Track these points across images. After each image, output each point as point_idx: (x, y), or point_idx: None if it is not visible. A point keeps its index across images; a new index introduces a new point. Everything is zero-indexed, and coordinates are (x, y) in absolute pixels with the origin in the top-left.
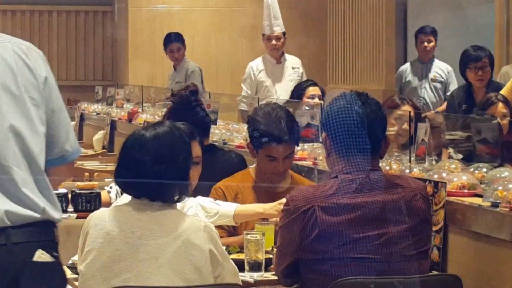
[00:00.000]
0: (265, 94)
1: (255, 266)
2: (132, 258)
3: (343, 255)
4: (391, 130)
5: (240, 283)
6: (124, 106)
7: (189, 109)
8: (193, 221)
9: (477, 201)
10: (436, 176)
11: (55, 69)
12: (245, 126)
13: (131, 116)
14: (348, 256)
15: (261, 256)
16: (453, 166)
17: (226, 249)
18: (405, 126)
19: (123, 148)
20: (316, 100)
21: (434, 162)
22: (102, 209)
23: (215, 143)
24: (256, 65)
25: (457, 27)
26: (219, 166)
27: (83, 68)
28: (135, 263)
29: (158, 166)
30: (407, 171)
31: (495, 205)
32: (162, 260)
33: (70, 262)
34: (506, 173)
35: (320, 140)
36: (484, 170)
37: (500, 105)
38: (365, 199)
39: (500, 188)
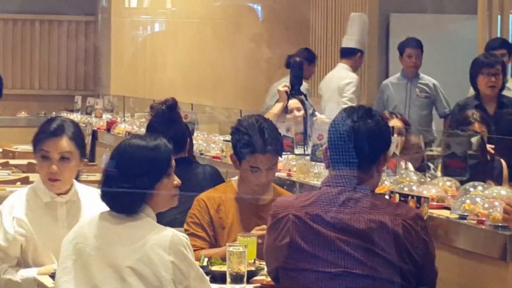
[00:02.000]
0: None
1: (237, 278)
2: (102, 263)
3: (312, 267)
4: None
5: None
6: (103, 116)
7: (166, 123)
8: (160, 231)
9: (445, 213)
10: (406, 189)
11: (37, 78)
12: (222, 138)
13: (109, 126)
14: (317, 269)
15: (243, 268)
16: (448, 183)
17: (208, 261)
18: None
19: (109, 160)
20: (295, 113)
21: (428, 179)
22: (89, 216)
23: (189, 157)
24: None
25: (439, 43)
26: (193, 178)
27: (65, 77)
28: (104, 268)
29: (136, 177)
30: (379, 184)
31: (462, 217)
32: (127, 267)
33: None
34: (503, 192)
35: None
36: (480, 188)
37: (477, 124)
38: (340, 216)
39: (468, 201)
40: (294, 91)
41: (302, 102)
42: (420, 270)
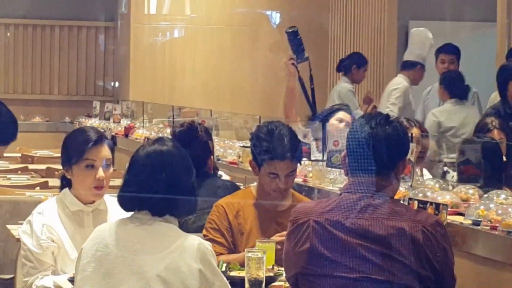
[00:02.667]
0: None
1: (256, 284)
2: (125, 271)
3: (332, 273)
4: None
5: None
6: (121, 121)
7: (187, 143)
8: (187, 239)
9: (459, 219)
10: (421, 195)
11: (56, 84)
12: (239, 144)
13: (127, 131)
14: (337, 274)
15: (262, 274)
16: (471, 191)
17: (226, 266)
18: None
19: (131, 165)
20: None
21: (450, 187)
22: (104, 224)
23: (212, 172)
24: None
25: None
26: (213, 192)
27: (84, 83)
28: (128, 276)
29: (169, 181)
30: None
31: (476, 223)
32: (153, 275)
33: (71, 276)
34: None
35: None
36: (503, 196)
37: (496, 131)
38: (361, 222)
39: (482, 207)
40: (299, 59)
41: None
42: (439, 276)
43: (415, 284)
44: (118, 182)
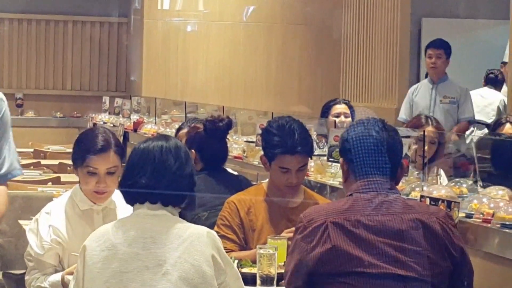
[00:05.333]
0: None
1: (268, 281)
2: (138, 267)
3: (354, 270)
4: None
5: (243, 286)
6: (131, 116)
7: (218, 139)
8: (195, 228)
9: None
10: (418, 189)
11: (69, 79)
12: (244, 138)
13: (136, 126)
14: (360, 271)
15: (274, 271)
16: (501, 192)
17: (238, 263)
18: (426, 147)
19: (131, 159)
20: (342, 118)
21: (480, 188)
22: (105, 225)
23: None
24: None
25: (471, 48)
26: (228, 186)
27: (96, 79)
28: (141, 272)
29: (169, 174)
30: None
31: (469, 216)
32: (167, 267)
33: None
34: None
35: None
36: None
37: (508, 125)
38: (379, 218)
39: (475, 201)
40: None
41: (350, 108)
42: (459, 266)
43: (437, 276)
44: None
